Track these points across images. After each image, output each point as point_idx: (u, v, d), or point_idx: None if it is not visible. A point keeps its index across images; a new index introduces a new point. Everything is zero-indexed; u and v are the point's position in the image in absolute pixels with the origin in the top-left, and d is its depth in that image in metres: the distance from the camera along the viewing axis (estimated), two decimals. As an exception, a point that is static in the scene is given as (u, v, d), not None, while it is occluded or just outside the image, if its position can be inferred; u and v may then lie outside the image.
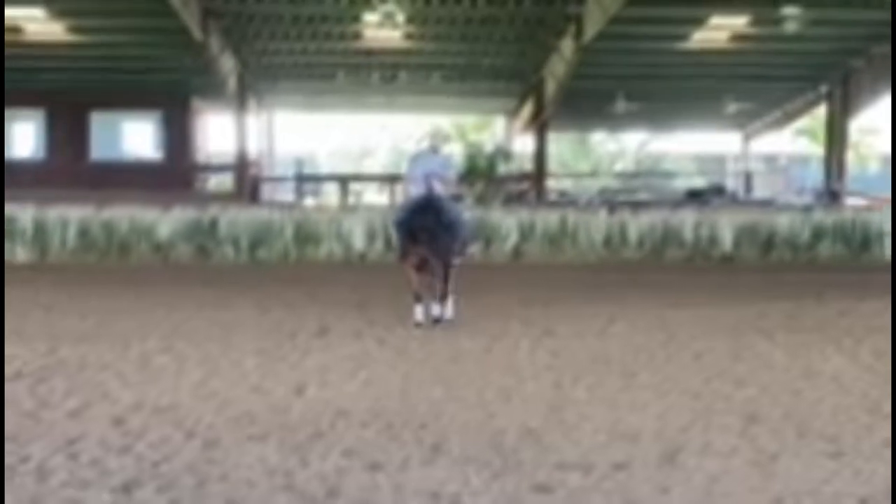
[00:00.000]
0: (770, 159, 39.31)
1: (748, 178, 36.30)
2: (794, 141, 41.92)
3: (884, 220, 22.83)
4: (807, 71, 29.85)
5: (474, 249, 15.27)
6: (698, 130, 39.54)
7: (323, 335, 10.59)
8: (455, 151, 36.59)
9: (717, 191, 32.56)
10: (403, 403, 7.38)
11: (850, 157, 32.93)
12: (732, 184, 36.02)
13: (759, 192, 34.28)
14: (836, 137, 30.83)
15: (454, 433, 6.53)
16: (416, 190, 11.49)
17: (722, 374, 8.39)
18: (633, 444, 6.32)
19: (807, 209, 24.46)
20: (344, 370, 8.66)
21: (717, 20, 25.14)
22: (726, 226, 22.13)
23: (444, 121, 46.15)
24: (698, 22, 25.28)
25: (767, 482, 5.58)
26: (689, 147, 40.42)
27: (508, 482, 5.52)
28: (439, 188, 11.35)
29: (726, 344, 9.95)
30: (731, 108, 34.89)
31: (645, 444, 6.30)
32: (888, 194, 35.43)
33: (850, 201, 29.19)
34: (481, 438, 6.41)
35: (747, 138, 39.07)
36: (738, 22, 25.35)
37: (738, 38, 26.45)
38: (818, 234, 22.38)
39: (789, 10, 24.32)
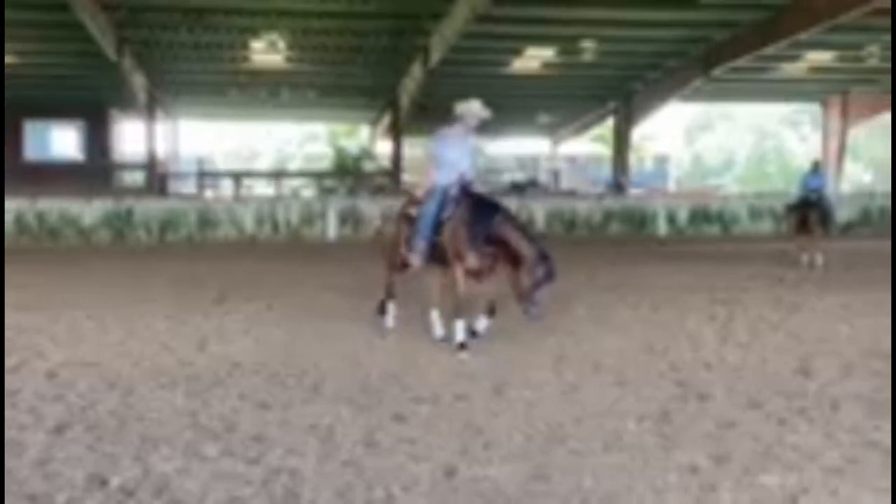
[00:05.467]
0: (572, 159, 40.23)
1: (556, 174, 37.03)
2: (591, 145, 42.99)
3: (657, 205, 23.65)
4: (599, 91, 30.54)
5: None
6: (518, 137, 40.14)
7: (221, 302, 10.35)
8: (328, 154, 36.39)
9: (533, 184, 33.06)
10: (287, 355, 7.28)
11: (632, 157, 33.90)
12: (544, 178, 36.67)
13: (565, 184, 34.96)
14: (621, 142, 31.66)
15: (329, 378, 6.47)
16: (443, 177, 7.82)
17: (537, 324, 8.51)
18: (471, 380, 6.38)
19: (600, 197, 25.17)
20: (238, 330, 8.48)
21: (531, 51, 25.46)
22: (540, 210, 22.60)
23: (319, 128, 45.82)
24: (517, 52, 25.57)
25: (572, 406, 5.71)
26: (513, 149, 41.05)
27: (373, 415, 5.50)
28: (470, 180, 7.89)
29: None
30: (543, 119, 35.53)
31: (480, 381, 6.36)
32: (660, 186, 36.78)
33: (632, 191, 30.12)
34: (351, 381, 6.37)
35: (555, 143, 39.92)
36: (547, 53, 25.74)
37: (547, 65, 26.84)
38: (608, 216, 23.07)
39: (586, 44, 24.84)
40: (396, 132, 30.14)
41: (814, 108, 35.19)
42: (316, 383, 6.30)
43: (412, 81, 26.87)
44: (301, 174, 38.85)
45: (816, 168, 15.70)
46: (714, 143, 52.78)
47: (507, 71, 27.24)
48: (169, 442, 4.94)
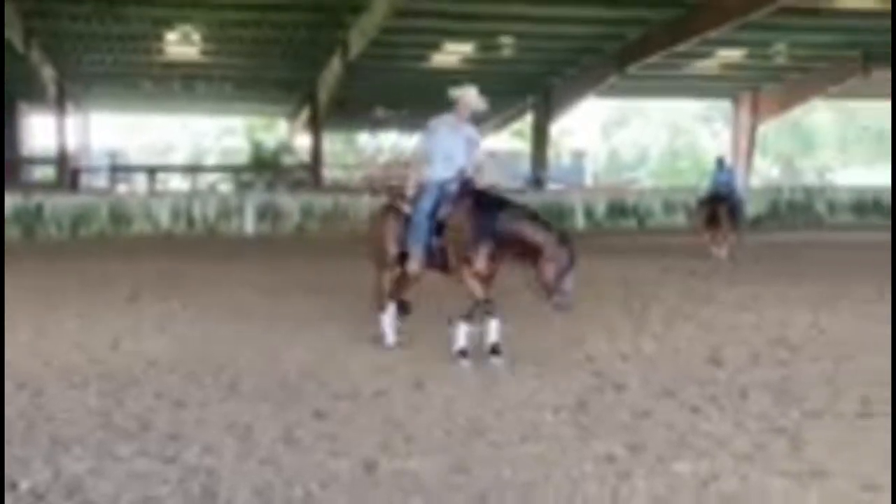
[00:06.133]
0: (492, 154, 40.44)
1: (478, 169, 37.14)
2: (510, 140, 43.35)
3: (575, 199, 24.03)
4: (518, 86, 30.76)
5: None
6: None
7: (135, 300, 10.13)
8: (245, 148, 35.88)
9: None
10: (204, 353, 7.17)
11: (550, 152, 34.26)
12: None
13: (485, 179, 35.15)
14: (540, 138, 31.97)
15: (247, 375, 6.40)
16: (436, 172, 7.16)
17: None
18: (391, 376, 6.38)
19: (520, 192, 25.38)
20: (153, 328, 8.32)
21: (450, 46, 25.53)
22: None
23: (236, 121, 45.13)
24: (436, 47, 25.61)
25: (491, 399, 5.76)
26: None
27: (292, 412, 5.46)
28: (471, 174, 7.25)
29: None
30: (463, 114, 35.60)
31: (400, 376, 6.37)
32: (578, 181, 37.30)
33: (551, 186, 30.51)
34: (270, 378, 6.31)
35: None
36: (466, 48, 25.84)
37: (467, 60, 26.96)
38: (529, 210, 23.22)
39: (504, 40, 25.03)
40: (315, 126, 29.89)
41: (725, 105, 36.09)
42: (233, 381, 6.22)
43: (331, 75, 26.67)
44: (218, 168, 38.21)
45: (721, 164, 16.19)
46: (629, 138, 53.77)
47: (427, 66, 27.25)
48: (81, 442, 4.81)
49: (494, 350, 6.74)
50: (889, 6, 20.56)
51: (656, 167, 52.32)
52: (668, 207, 24.28)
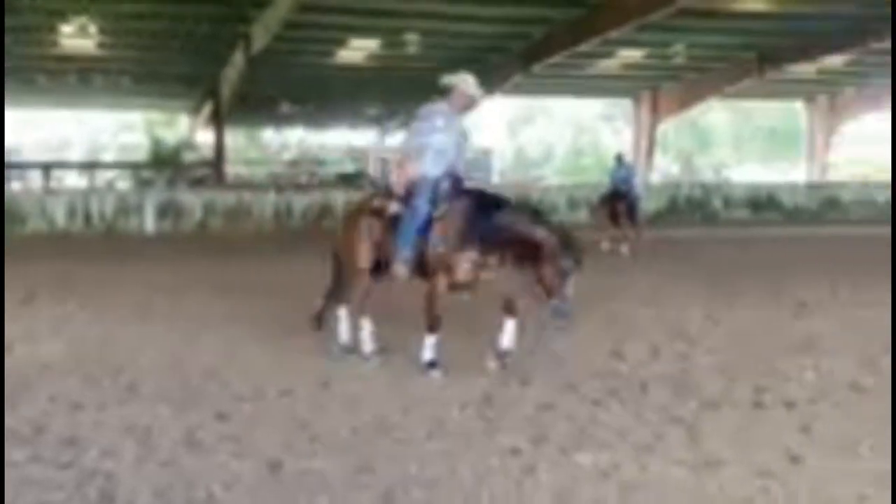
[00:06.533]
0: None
1: (385, 165, 37.16)
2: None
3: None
4: (423, 84, 30.76)
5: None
6: (347, 128, 39.92)
7: (29, 302, 9.76)
8: (144, 144, 35.00)
9: (361, 175, 33.02)
10: (102, 354, 6.97)
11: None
12: (374, 169, 36.68)
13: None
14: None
15: (147, 376, 6.25)
16: (427, 168, 6.48)
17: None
18: (296, 375, 6.32)
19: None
20: (48, 330, 8.04)
21: (355, 42, 25.41)
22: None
23: (135, 117, 43.98)
24: (341, 43, 25.44)
25: (400, 396, 5.78)
26: (342, 140, 40.81)
27: (193, 413, 5.35)
28: (461, 173, 6.62)
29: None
30: (371, 111, 35.53)
31: (305, 375, 6.31)
32: (485, 177, 37.54)
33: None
34: (170, 380, 6.17)
35: (384, 133, 40.02)
36: (372, 44, 25.76)
37: (373, 56, 26.88)
38: (435, 207, 23.29)
39: (410, 37, 25.04)
40: (218, 122, 29.36)
41: (626, 104, 36.89)
42: (132, 383, 6.07)
43: (234, 70, 26.24)
44: (116, 165, 37.14)
45: (620, 161, 16.61)
46: (535, 136, 54.49)
47: (332, 62, 27.06)
48: (-30, 451, 4.63)
49: (432, 364, 6.34)
50: (782, 8, 21.42)
51: (561, 165, 53.16)
52: (573, 203, 24.68)
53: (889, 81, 27.11)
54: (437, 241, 6.28)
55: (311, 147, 39.95)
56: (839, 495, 4.13)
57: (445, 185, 6.43)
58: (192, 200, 21.93)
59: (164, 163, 30.97)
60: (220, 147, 29.29)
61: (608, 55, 27.30)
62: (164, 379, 6.19)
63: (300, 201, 22.48)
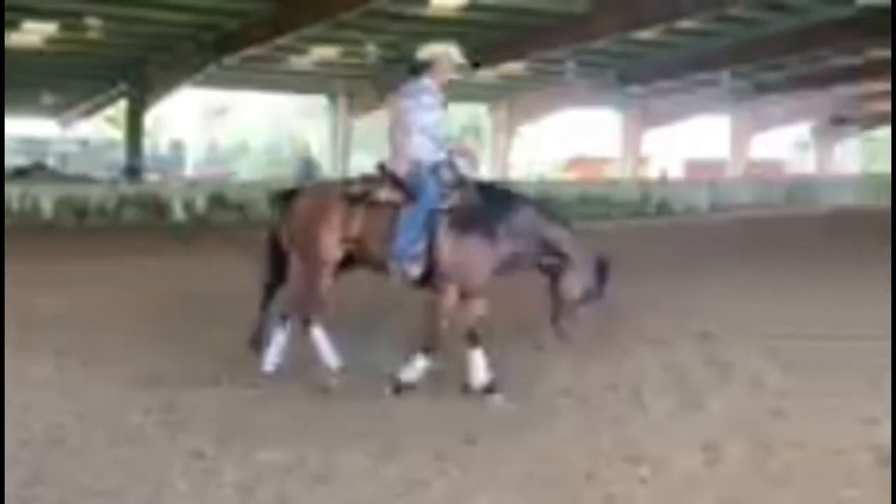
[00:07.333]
0: (84, 142, 37.98)
1: (64, 158, 34.79)
2: (105, 127, 41.09)
3: (173, 191, 23.42)
4: (110, 71, 29.15)
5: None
6: (21, 118, 36.81)
7: None
8: None
9: (39, 168, 30.61)
10: None
11: (147, 142, 32.98)
12: (53, 162, 34.13)
13: (75, 169, 32.87)
14: (134, 126, 30.61)
15: None
16: (426, 152, 5.66)
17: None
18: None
19: (113, 182, 24.22)
20: None
21: (29, 25, 23.51)
22: (47, 197, 21.06)
23: None
24: (13, 25, 23.38)
25: (74, 403, 5.47)
26: (17, 130, 37.56)
27: None
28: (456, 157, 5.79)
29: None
30: (48, 99, 33.08)
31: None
32: (177, 171, 36.51)
33: (150, 177, 29.47)
34: None
35: (63, 124, 37.44)
36: (50, 28, 23.97)
37: (51, 41, 25.02)
38: (123, 202, 22.21)
39: (92, 21, 23.57)
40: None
41: (325, 101, 37.20)
42: None
43: None
44: None
45: (307, 158, 16.90)
46: (231, 129, 53.54)
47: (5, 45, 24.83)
48: None
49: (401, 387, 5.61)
50: (470, 15, 22.68)
51: (258, 159, 52.74)
52: (274, 200, 24.50)
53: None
54: (448, 239, 5.49)
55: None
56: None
57: (448, 174, 5.65)
58: None
59: None
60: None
61: (303, 51, 27.43)
62: None
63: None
